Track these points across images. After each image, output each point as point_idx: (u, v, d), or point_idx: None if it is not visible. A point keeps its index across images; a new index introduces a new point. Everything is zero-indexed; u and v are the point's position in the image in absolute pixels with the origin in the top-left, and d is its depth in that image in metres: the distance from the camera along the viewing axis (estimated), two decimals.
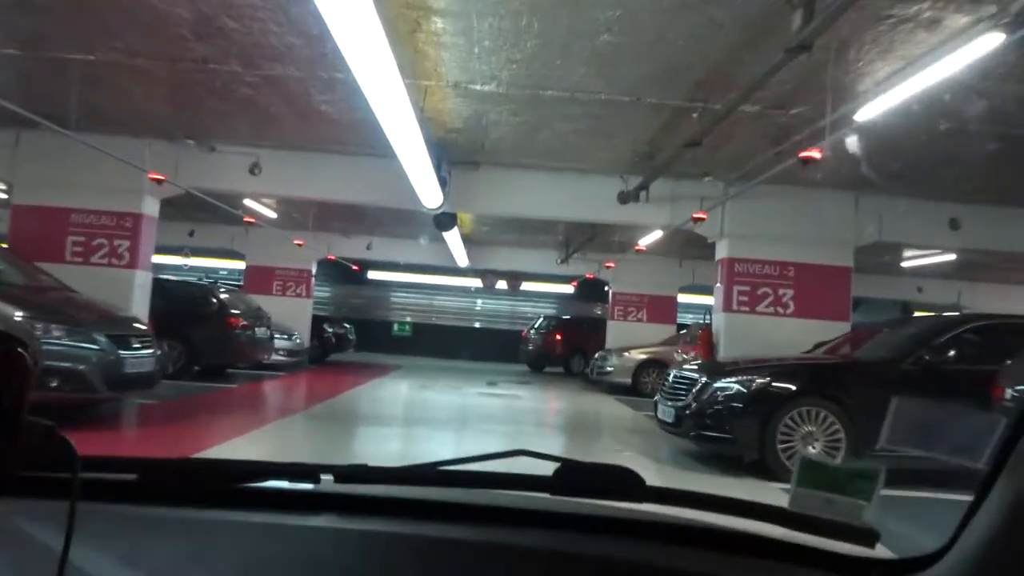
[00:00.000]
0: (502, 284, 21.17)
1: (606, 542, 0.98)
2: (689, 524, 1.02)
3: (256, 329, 12.99)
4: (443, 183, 8.38)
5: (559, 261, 17.23)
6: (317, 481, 1.05)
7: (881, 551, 0.93)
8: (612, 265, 14.80)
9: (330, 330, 18.29)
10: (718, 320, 9.35)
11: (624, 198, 8.94)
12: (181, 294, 12.78)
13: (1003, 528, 0.74)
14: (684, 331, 16.11)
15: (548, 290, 23.62)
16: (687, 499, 1.01)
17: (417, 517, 1.01)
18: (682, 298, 18.28)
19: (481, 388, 14.30)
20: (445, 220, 9.85)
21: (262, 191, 9.33)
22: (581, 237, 14.74)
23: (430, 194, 8.23)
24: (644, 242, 12.61)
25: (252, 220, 11.24)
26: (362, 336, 21.99)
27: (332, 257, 17.04)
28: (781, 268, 9.19)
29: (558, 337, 18.36)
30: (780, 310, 9.19)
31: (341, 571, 0.91)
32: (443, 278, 23.56)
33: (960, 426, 0.91)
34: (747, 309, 9.17)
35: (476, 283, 22.63)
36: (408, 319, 24.89)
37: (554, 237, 15.82)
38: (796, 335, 8.82)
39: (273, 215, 14.07)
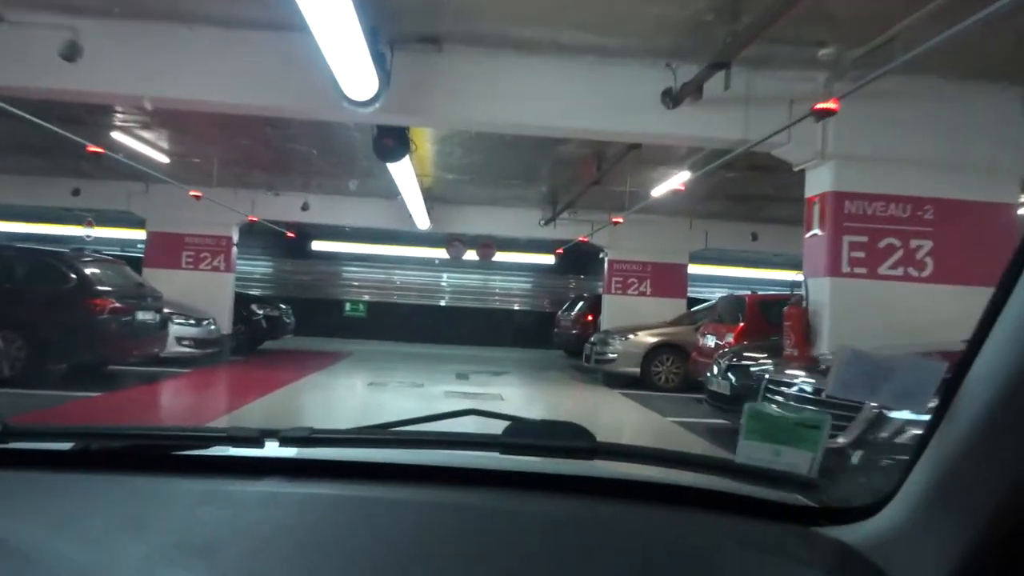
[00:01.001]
0: (471, 254, 17.74)
1: (555, 499, 0.96)
2: (639, 480, 1.01)
3: (138, 313, 9.44)
4: (381, 65, 4.94)
5: (543, 222, 13.87)
6: (261, 446, 1.00)
7: (827, 500, 0.94)
8: (621, 220, 11.40)
9: (260, 312, 14.72)
10: (818, 290, 6.06)
11: (675, 97, 5.58)
12: (21, 267, 9.15)
13: (944, 475, 0.74)
14: (712, 305, 12.90)
15: (526, 261, 20.23)
16: (637, 455, 1.05)
17: (365, 479, 0.98)
18: (692, 269, 15.05)
19: (449, 384, 10.95)
20: (391, 143, 6.41)
21: (86, 88, 5.73)
22: (574, 189, 11.36)
23: (356, 76, 4.78)
24: (663, 188, 9.31)
25: (99, 150, 7.65)
26: (308, 318, 18.52)
27: (254, 219, 13.42)
28: (914, 207, 5.92)
29: (589, 318, 14.98)
30: (913, 272, 5.93)
31: (284, 533, 0.85)
32: (401, 248, 20.02)
33: (905, 373, 0.87)
34: (864, 271, 5.88)
35: (441, 254, 19.18)
36: (364, 297, 21.37)
37: (537, 190, 12.43)
38: (939, 310, 5.59)
39: (163, 158, 10.43)
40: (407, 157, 7.37)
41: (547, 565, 0.82)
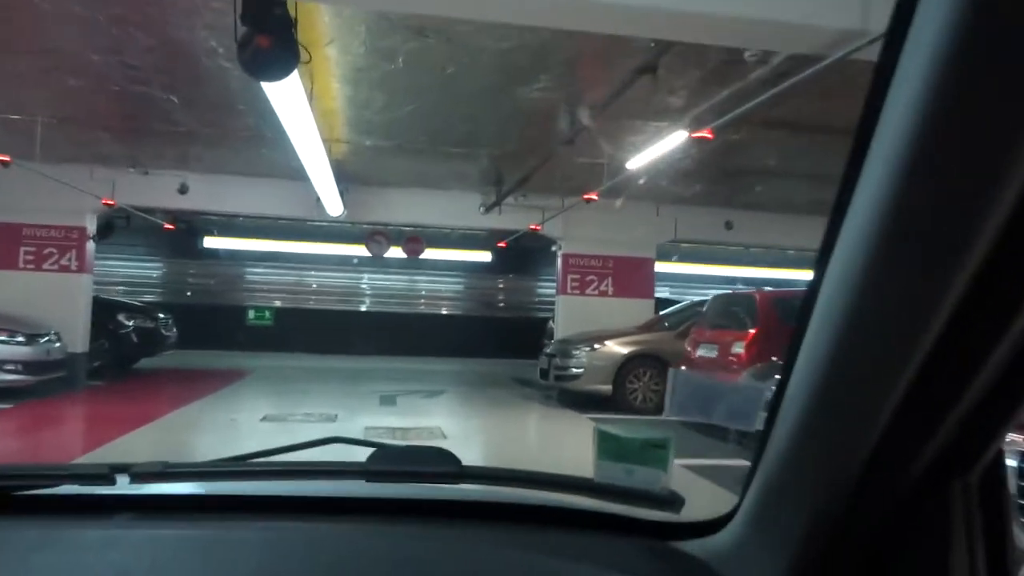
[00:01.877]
0: (395, 251, 15.09)
1: (421, 524, 0.96)
2: (506, 502, 1.03)
3: None
4: None
5: (484, 209, 11.40)
6: (112, 483, 0.93)
7: (686, 516, 0.96)
8: (595, 197, 8.95)
9: (129, 323, 11.70)
10: None
11: None
12: None
13: (769, 491, 0.78)
14: (689, 307, 10.76)
15: (459, 258, 17.68)
16: (501, 477, 1.03)
17: (222, 514, 0.95)
18: (658, 267, 12.83)
19: (371, 413, 8.43)
20: (266, 45, 3.81)
21: None
22: (529, 162, 8.94)
23: None
24: (671, 142, 6.98)
25: None
26: (203, 328, 15.78)
27: (109, 202, 10.37)
28: None
29: None
30: None
31: (131, 568, 0.82)
32: (313, 245, 17.20)
33: (733, 395, 0.67)
34: None
35: (360, 251, 16.49)
36: (273, 303, 18.36)
37: (479, 163, 9.95)
38: None
39: None
40: (300, 87, 4.76)
41: None
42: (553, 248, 12.19)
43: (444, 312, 18.45)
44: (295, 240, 17.13)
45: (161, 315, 12.54)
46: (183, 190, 10.82)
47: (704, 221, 12.25)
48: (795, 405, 0.71)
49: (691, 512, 0.96)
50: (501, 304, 18.63)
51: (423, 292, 18.46)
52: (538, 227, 11.04)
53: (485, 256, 17.69)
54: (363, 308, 18.41)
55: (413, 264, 16.92)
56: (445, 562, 0.87)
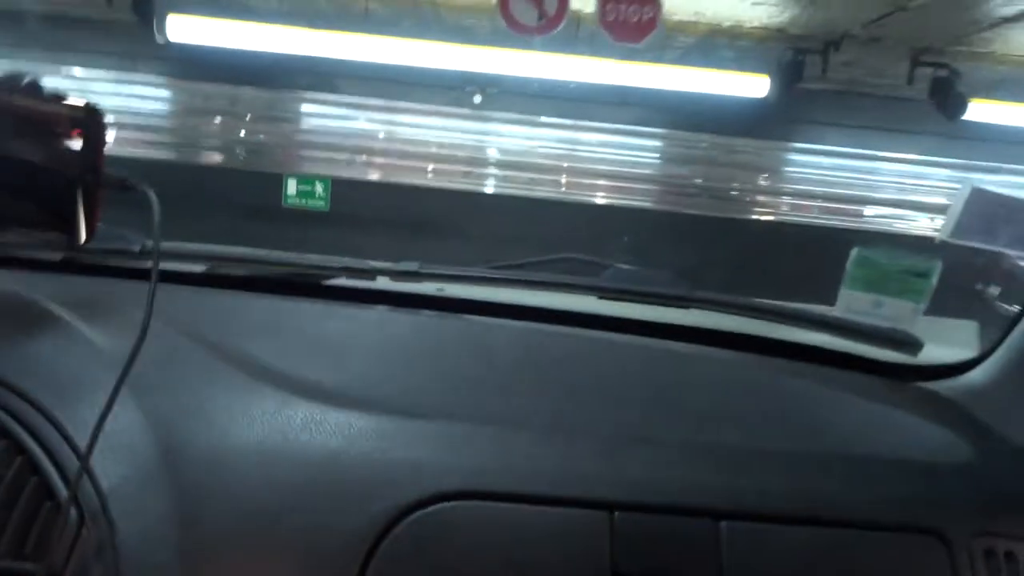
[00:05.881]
0: (561, 55, 6.01)
1: (651, 343, 0.99)
2: (735, 331, 1.04)
3: None
4: None
5: None
6: (373, 279, 1.09)
7: (923, 358, 0.92)
8: None
9: None
10: None
11: None
12: None
13: None
14: None
15: (687, 87, 8.29)
16: (734, 305, 1.06)
17: (467, 312, 1.05)
18: None
19: None
20: None
21: None
22: None
23: None
24: None
25: None
26: (190, 212, 7.50)
27: None
28: None
29: None
30: None
31: (400, 344, 0.94)
32: (395, 45, 8.34)
33: None
34: None
35: (484, 65, 7.57)
36: (333, 170, 9.99)
37: None
38: None
39: None
40: None
41: (640, 397, 0.86)
42: None
43: (648, 205, 9.38)
44: (361, 32, 8.34)
45: None
46: None
47: None
48: None
49: None
50: (777, 197, 9.31)
51: (609, 162, 9.35)
52: None
53: (752, 85, 8.26)
54: (488, 189, 9.71)
55: (599, 95, 7.85)
56: (676, 376, 0.90)
